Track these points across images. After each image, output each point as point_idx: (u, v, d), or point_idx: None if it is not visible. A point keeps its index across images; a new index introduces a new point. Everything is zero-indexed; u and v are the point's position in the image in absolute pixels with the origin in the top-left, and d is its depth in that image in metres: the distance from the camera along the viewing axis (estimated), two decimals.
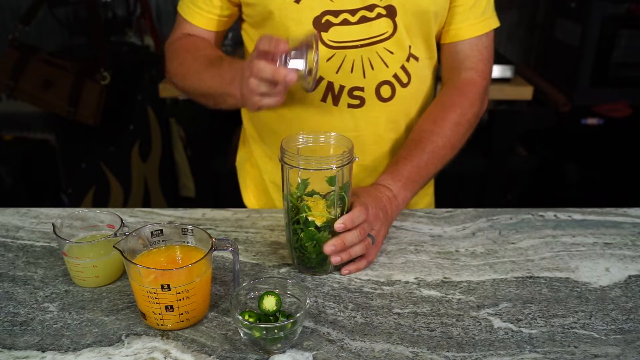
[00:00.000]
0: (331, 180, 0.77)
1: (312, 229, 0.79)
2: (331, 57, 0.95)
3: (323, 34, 0.93)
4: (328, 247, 0.78)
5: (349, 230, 0.79)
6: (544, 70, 2.62)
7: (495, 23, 1.03)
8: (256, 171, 1.16)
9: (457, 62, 1.04)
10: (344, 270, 0.83)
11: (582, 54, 2.30)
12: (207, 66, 0.94)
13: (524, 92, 2.16)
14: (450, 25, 1.01)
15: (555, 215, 1.01)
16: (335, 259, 0.80)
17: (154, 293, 0.68)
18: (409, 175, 0.93)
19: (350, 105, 0.98)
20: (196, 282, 0.69)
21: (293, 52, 0.78)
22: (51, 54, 2.17)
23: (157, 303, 0.69)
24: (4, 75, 2.10)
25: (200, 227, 0.95)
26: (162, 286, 0.68)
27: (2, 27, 2.58)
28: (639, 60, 2.33)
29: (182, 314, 0.70)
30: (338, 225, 0.78)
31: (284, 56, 0.77)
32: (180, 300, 0.69)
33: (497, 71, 2.15)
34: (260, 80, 0.77)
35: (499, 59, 2.23)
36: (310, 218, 0.79)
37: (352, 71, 0.96)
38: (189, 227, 0.75)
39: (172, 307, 0.69)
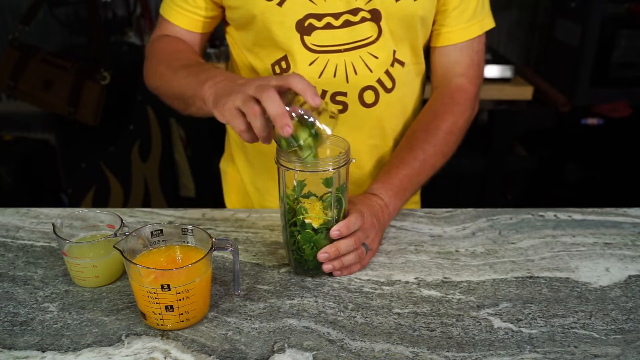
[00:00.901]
0: (327, 182, 0.77)
1: (309, 231, 0.78)
2: (314, 61, 0.93)
3: (306, 38, 0.92)
4: (321, 255, 0.78)
5: (343, 237, 0.79)
6: (544, 70, 2.62)
7: (488, 24, 1.01)
8: (238, 176, 1.15)
9: (448, 68, 1.02)
10: (336, 272, 0.82)
11: (582, 54, 2.30)
12: (184, 66, 0.91)
13: (524, 92, 2.16)
14: (440, 28, 0.99)
15: (555, 215, 1.01)
16: (327, 267, 0.80)
17: (154, 293, 0.68)
18: (400, 184, 0.92)
19: None
20: (196, 282, 0.69)
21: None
22: (51, 54, 2.17)
23: (157, 303, 0.69)
24: (4, 75, 2.10)
25: (200, 227, 0.96)
26: (162, 286, 0.68)
27: (2, 27, 2.58)
28: (639, 60, 2.34)
29: (182, 314, 0.70)
30: (333, 232, 0.78)
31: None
32: (180, 300, 0.69)
33: (497, 71, 2.16)
34: (257, 109, 0.71)
35: (499, 59, 2.24)
36: (307, 220, 0.78)
37: (335, 76, 0.94)
38: (189, 227, 0.75)
39: (172, 307, 0.69)
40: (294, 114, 0.71)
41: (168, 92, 0.95)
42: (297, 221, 0.79)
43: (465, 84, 1.02)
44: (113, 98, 2.19)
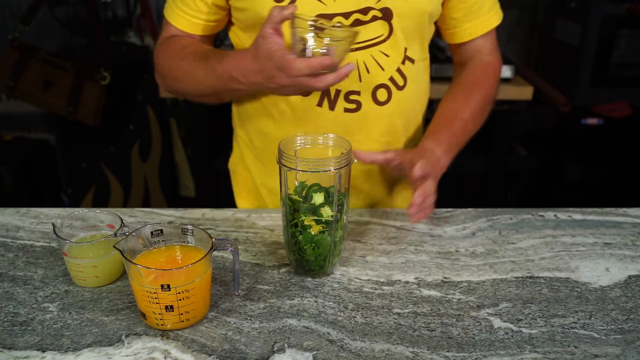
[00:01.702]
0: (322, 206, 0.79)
1: (311, 231, 0.78)
2: None
3: None
4: (412, 207, 0.86)
5: (422, 180, 0.87)
6: (544, 70, 2.62)
7: (500, 14, 1.07)
8: (248, 174, 1.15)
9: (476, 52, 1.08)
10: (413, 218, 0.87)
11: (582, 54, 2.30)
12: (198, 65, 0.94)
13: (524, 92, 2.16)
14: (463, 24, 1.03)
15: (555, 215, 1.01)
16: (416, 217, 0.86)
17: (154, 293, 0.68)
18: (449, 141, 0.98)
19: (346, 110, 0.98)
20: (196, 282, 0.69)
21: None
22: (51, 54, 2.17)
23: (157, 303, 0.69)
24: (4, 75, 2.10)
25: (200, 227, 0.96)
26: (162, 286, 0.68)
27: (2, 27, 2.58)
28: (639, 60, 2.33)
29: (182, 314, 0.70)
30: (417, 172, 0.86)
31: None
32: (180, 300, 0.69)
33: None
34: (301, 80, 0.80)
35: None
36: (307, 222, 0.78)
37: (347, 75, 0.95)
38: (189, 227, 0.75)
39: (172, 307, 0.69)
40: (311, 36, 0.80)
41: (194, 93, 1.02)
42: (298, 222, 0.78)
43: (493, 62, 1.09)
44: (113, 98, 2.19)
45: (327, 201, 0.78)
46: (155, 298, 0.68)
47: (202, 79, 0.94)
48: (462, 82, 1.07)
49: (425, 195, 0.87)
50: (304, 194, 0.79)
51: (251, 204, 1.18)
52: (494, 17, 1.05)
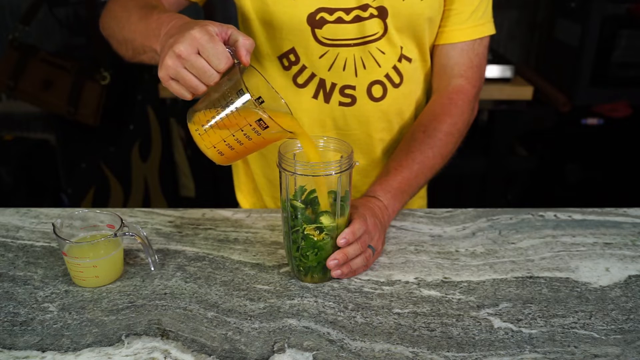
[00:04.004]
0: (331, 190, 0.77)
1: (313, 237, 0.78)
2: (324, 54, 0.95)
3: (317, 31, 0.93)
4: (331, 262, 0.78)
5: (350, 243, 0.79)
6: (544, 70, 2.62)
7: (489, 30, 1.01)
8: (247, 168, 1.16)
9: (447, 68, 1.02)
10: (343, 276, 0.81)
11: (582, 54, 2.30)
12: (140, 8, 0.88)
13: (524, 92, 2.16)
14: (442, 27, 1.00)
15: (555, 215, 1.01)
16: (336, 273, 0.80)
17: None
18: (398, 187, 0.92)
19: (341, 103, 0.99)
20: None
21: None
22: (51, 54, 2.17)
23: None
24: (4, 75, 2.10)
25: (200, 227, 0.96)
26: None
27: (2, 27, 2.58)
28: (639, 60, 2.34)
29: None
30: (340, 240, 0.78)
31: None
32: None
33: (497, 71, 2.15)
34: (191, 52, 0.69)
35: (499, 59, 2.24)
36: (307, 232, 0.78)
37: (344, 69, 0.96)
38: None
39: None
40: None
41: (119, 35, 0.94)
42: (300, 228, 0.78)
43: (464, 86, 1.02)
44: (113, 98, 2.19)
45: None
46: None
47: (133, 21, 0.88)
48: (427, 113, 1.02)
49: (346, 258, 0.79)
50: (303, 198, 0.78)
51: (251, 196, 1.18)
52: (475, 29, 0.99)
